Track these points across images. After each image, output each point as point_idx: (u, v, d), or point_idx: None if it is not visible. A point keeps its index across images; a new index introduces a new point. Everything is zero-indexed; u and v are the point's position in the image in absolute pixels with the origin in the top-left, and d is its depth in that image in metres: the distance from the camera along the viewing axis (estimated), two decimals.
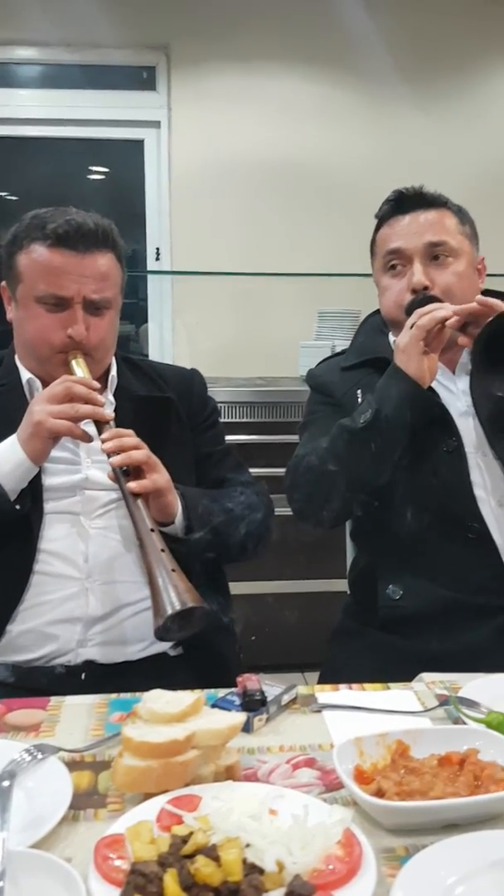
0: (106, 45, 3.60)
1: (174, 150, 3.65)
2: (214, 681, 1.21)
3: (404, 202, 1.54)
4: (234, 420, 3.03)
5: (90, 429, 1.35)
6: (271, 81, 3.61)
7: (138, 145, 3.76)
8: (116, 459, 1.28)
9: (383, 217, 1.57)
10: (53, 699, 1.16)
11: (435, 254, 1.50)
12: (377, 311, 1.64)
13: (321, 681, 1.52)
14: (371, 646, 1.53)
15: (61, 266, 1.38)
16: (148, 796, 0.89)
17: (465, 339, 1.36)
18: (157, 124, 3.70)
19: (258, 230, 3.64)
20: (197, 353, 3.58)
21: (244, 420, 3.03)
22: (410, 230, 1.51)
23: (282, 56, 3.60)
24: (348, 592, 1.72)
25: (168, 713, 0.93)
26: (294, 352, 3.35)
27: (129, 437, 1.32)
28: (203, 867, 0.73)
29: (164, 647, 1.43)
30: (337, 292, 3.45)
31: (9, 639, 1.37)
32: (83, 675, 1.37)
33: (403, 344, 1.39)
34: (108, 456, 1.31)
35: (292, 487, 1.51)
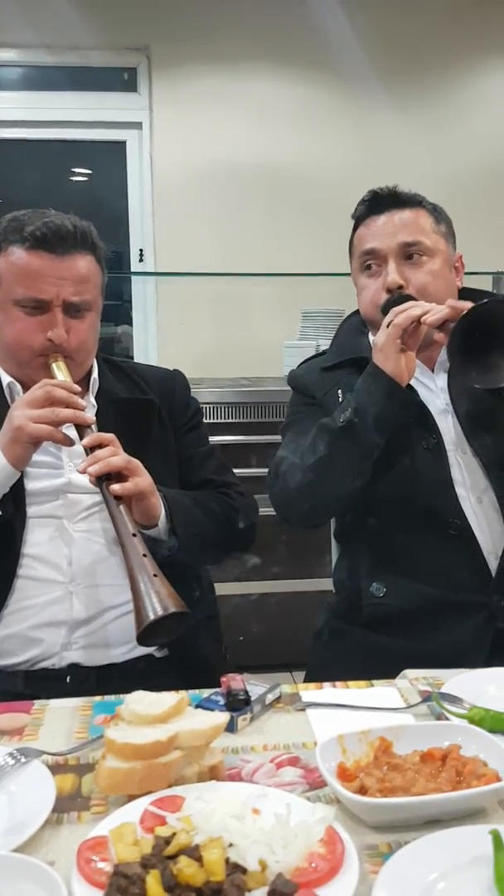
0: (86, 46, 3.59)
1: (156, 151, 3.65)
2: (200, 682, 1.21)
3: (379, 202, 1.54)
4: (218, 421, 3.03)
5: (71, 433, 1.34)
6: (252, 83, 3.62)
7: (120, 147, 3.75)
8: (94, 468, 1.26)
9: (359, 217, 1.57)
10: (37, 703, 1.16)
11: (409, 253, 1.51)
12: (357, 312, 1.65)
13: (307, 680, 1.52)
14: (356, 644, 1.53)
15: (40, 269, 1.37)
16: (132, 798, 0.89)
17: (442, 336, 1.36)
18: (138, 125, 3.70)
19: (241, 231, 3.65)
20: (181, 354, 3.57)
21: (229, 421, 3.03)
22: (385, 230, 1.52)
23: (262, 58, 3.61)
24: (333, 592, 1.72)
25: (151, 714, 0.93)
26: (278, 352, 3.36)
27: (109, 442, 1.31)
28: (185, 868, 0.73)
29: (149, 649, 1.43)
30: (321, 292, 3.45)
31: None
32: (68, 679, 1.37)
33: (381, 343, 1.40)
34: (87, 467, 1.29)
35: (274, 488, 1.52)
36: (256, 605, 2.99)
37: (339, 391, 1.52)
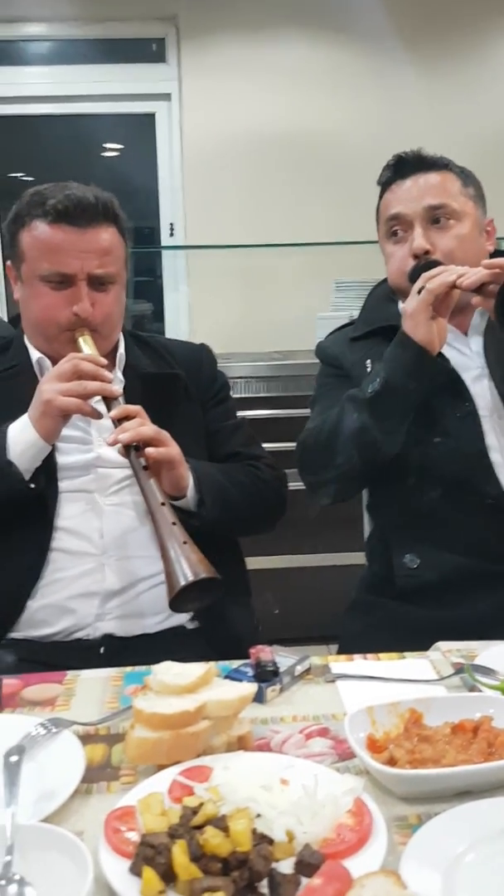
0: (114, 18, 3.55)
1: (185, 121, 3.61)
2: (232, 654, 1.21)
3: (404, 166, 1.51)
4: (250, 395, 3.01)
5: (100, 406, 1.34)
6: (280, 49, 3.55)
7: (150, 120, 3.72)
8: (124, 436, 1.27)
9: (384, 183, 1.54)
10: (69, 673, 1.17)
11: (436, 217, 1.47)
12: (385, 280, 1.62)
13: (339, 653, 1.52)
14: (388, 617, 1.52)
15: (63, 242, 1.36)
16: (160, 768, 0.89)
17: (480, 300, 1.32)
18: (167, 97, 3.66)
19: (272, 201, 3.59)
20: (213, 329, 3.56)
21: (261, 395, 3.01)
22: (410, 194, 1.48)
23: (290, 23, 3.53)
24: (366, 564, 1.71)
25: (178, 685, 0.93)
26: (311, 324, 3.32)
27: (137, 414, 1.31)
28: (211, 838, 0.73)
29: (181, 620, 1.44)
30: (354, 261, 3.39)
31: (28, 614, 1.38)
32: (101, 649, 1.38)
33: (411, 310, 1.37)
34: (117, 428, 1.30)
35: (302, 461, 1.50)
36: (290, 579, 2.99)
37: (368, 361, 1.49)
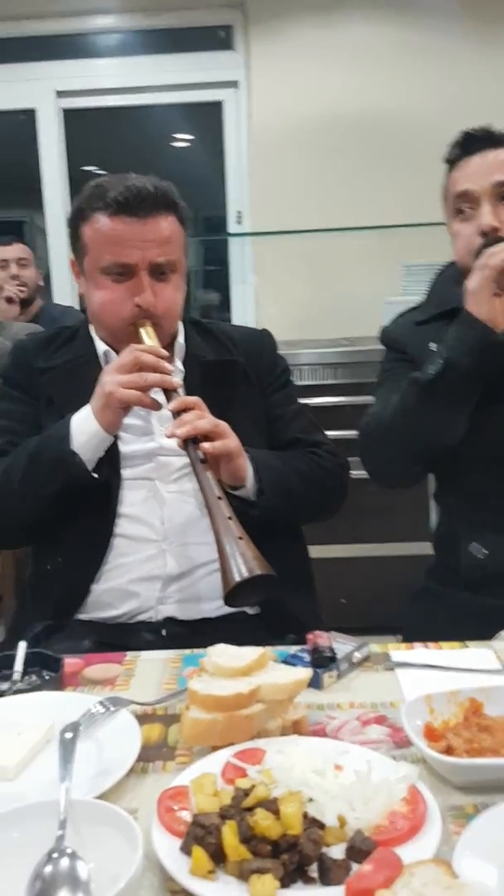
0: (182, 7, 3.56)
1: (253, 108, 3.59)
2: (292, 640, 1.21)
3: (472, 142, 1.46)
4: (317, 382, 2.98)
5: (160, 397, 1.35)
6: (347, 31, 3.49)
7: (216, 109, 3.71)
8: (182, 431, 1.27)
9: (452, 160, 1.49)
10: (130, 654, 1.19)
11: None
12: (453, 262, 1.57)
13: (402, 642, 1.50)
14: (454, 606, 1.49)
15: (123, 233, 1.37)
16: (215, 749, 0.89)
17: None
18: (234, 84, 3.65)
19: (339, 185, 3.55)
20: (279, 315, 3.55)
21: (328, 382, 2.98)
22: (478, 171, 1.43)
23: (356, 4, 3.47)
24: (433, 553, 1.67)
25: (233, 667, 0.93)
26: (380, 309, 3.27)
27: (195, 406, 1.31)
28: (262, 820, 0.73)
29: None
30: (423, 244, 3.32)
31: (94, 597, 1.41)
32: (163, 631, 1.40)
33: (473, 287, 1.33)
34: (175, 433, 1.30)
35: (364, 447, 1.48)
36: (356, 569, 2.96)
37: (432, 345, 1.46)
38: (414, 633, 1.51)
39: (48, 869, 0.68)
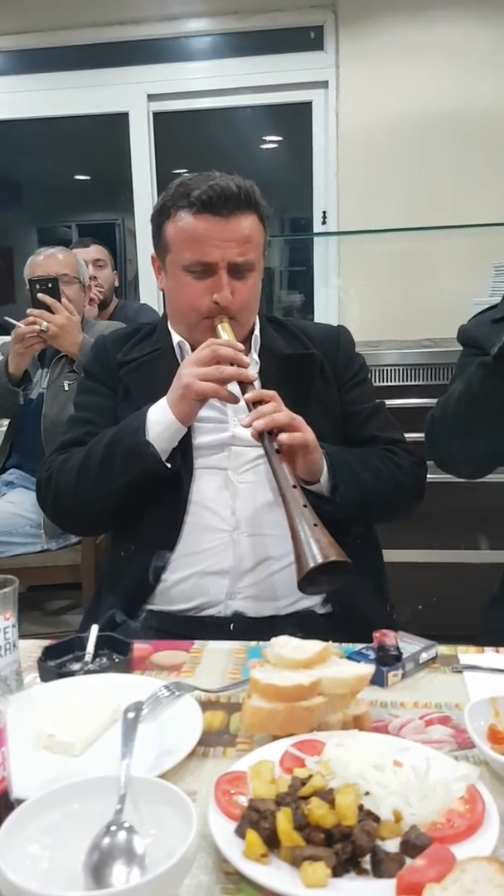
0: (273, 8, 3.58)
1: (342, 108, 3.58)
2: (362, 641, 1.20)
3: None
4: (401, 384, 2.95)
5: (235, 389, 1.36)
6: (441, 29, 3.44)
7: (306, 109, 3.72)
8: (259, 423, 1.28)
9: None
10: (197, 643, 1.21)
11: None
12: None
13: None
14: None
15: (206, 232, 1.39)
16: (275, 739, 0.90)
17: None
18: (324, 84, 3.65)
19: (428, 184, 3.50)
20: (363, 316, 3.52)
21: (411, 383, 2.94)
22: None
23: (449, 3, 3.42)
24: None
25: (295, 659, 0.93)
26: (467, 310, 3.20)
27: (272, 399, 1.32)
28: (316, 808, 0.73)
29: (311, 603, 1.44)
30: None
31: (164, 587, 1.43)
32: (231, 626, 1.41)
33: None
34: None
35: (430, 432, 1.46)
36: (434, 575, 2.91)
37: None
38: (488, 638, 1.48)
39: (106, 841, 0.70)
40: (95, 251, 3.35)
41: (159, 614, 1.44)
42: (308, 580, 1.18)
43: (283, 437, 1.28)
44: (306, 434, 1.32)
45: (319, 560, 1.16)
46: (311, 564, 1.16)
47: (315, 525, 1.21)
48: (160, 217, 1.47)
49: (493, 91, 3.44)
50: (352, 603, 1.42)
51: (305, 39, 3.68)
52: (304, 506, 1.24)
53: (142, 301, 3.81)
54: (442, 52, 3.45)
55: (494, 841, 0.71)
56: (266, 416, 1.29)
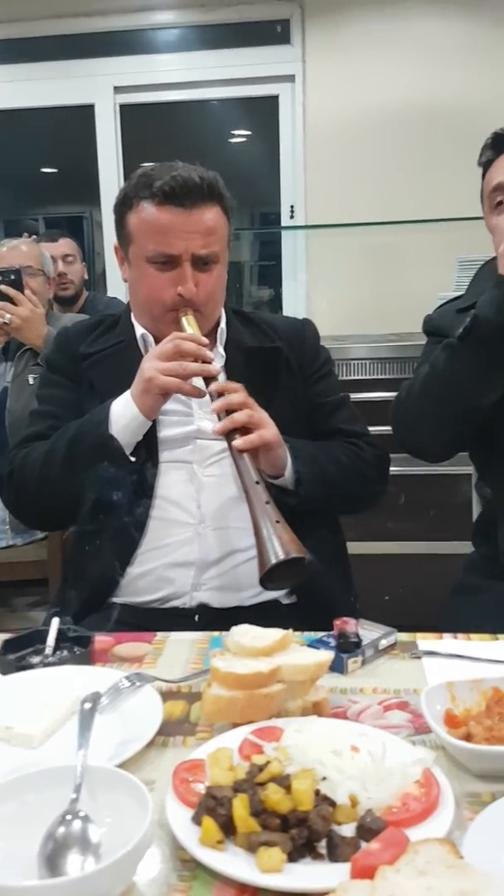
0: (238, 1, 3.57)
1: (309, 102, 3.59)
2: (325, 631, 1.20)
3: (501, 142, 1.46)
4: (366, 377, 2.96)
5: (199, 382, 1.36)
6: (408, 23, 3.46)
7: (272, 103, 3.72)
8: (219, 427, 1.28)
9: (486, 163, 1.49)
10: (159, 634, 1.21)
11: None
12: None
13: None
14: (494, 599, 1.47)
15: (169, 223, 1.38)
16: (235, 727, 0.90)
17: None
18: (291, 78, 3.65)
19: (394, 179, 3.52)
20: (330, 310, 3.53)
21: (377, 377, 2.96)
22: None
23: None
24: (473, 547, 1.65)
25: (254, 647, 0.94)
26: (432, 304, 3.23)
27: (236, 393, 1.31)
28: (272, 794, 0.73)
29: (276, 594, 1.44)
30: (479, 239, 3.27)
31: (129, 580, 1.43)
32: (196, 617, 1.41)
33: (502, 248, 1.31)
34: (218, 417, 1.31)
35: (395, 416, 1.47)
36: (397, 566, 2.93)
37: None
38: (449, 625, 1.49)
39: (61, 830, 0.70)
40: (65, 245, 3.32)
41: (124, 607, 1.43)
42: (269, 576, 1.18)
43: (237, 442, 1.27)
44: (268, 431, 1.31)
45: (281, 557, 1.17)
46: (273, 561, 1.17)
47: (277, 522, 1.21)
48: (122, 207, 1.45)
49: (461, 85, 3.47)
50: (317, 594, 1.43)
51: (272, 33, 3.68)
52: (267, 502, 1.24)
53: (109, 294, 3.78)
54: (409, 46, 3.47)
55: (449, 824, 0.72)
56: (226, 417, 1.28)
